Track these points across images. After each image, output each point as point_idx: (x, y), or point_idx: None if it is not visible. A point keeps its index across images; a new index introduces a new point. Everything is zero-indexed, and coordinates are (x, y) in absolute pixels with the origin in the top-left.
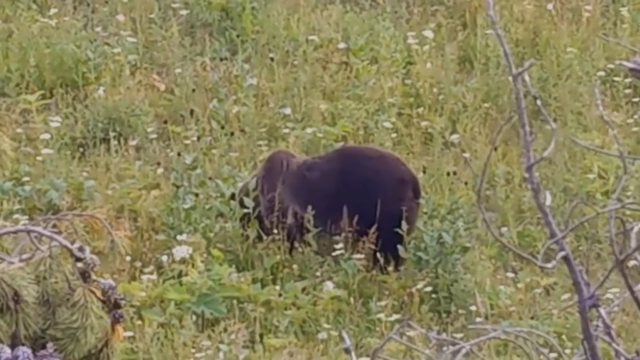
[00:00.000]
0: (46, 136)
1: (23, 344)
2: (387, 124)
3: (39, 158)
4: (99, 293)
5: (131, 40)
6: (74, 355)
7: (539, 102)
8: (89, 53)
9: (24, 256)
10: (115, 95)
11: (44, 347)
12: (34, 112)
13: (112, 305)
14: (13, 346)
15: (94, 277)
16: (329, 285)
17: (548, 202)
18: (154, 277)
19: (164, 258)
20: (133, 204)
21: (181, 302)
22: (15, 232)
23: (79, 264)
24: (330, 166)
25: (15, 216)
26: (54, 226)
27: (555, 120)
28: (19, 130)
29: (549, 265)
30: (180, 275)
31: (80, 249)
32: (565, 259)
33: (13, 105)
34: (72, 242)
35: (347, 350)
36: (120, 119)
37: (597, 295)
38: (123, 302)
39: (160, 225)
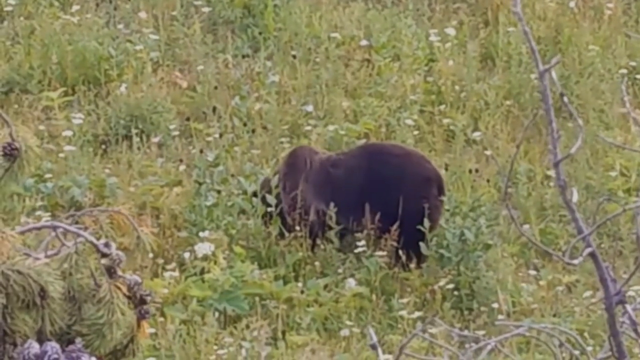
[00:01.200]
0: (68, 133)
1: (49, 340)
2: (409, 122)
3: (61, 155)
4: (124, 289)
5: (153, 37)
6: (99, 351)
7: (565, 98)
8: (111, 50)
9: (50, 252)
10: (138, 93)
11: (69, 342)
12: (56, 109)
13: (138, 301)
14: (39, 342)
15: (119, 273)
16: (351, 282)
17: (575, 199)
18: (176, 274)
19: (186, 255)
20: (155, 201)
21: (203, 299)
22: (40, 228)
23: (105, 260)
24: (354, 163)
25: (38, 213)
26: (79, 222)
27: None
28: (41, 127)
29: (576, 261)
30: (202, 272)
31: (106, 245)
32: (592, 255)
33: (35, 102)
34: (98, 238)
35: (373, 347)
36: (142, 116)
37: (624, 292)
38: (149, 298)
39: (182, 222)
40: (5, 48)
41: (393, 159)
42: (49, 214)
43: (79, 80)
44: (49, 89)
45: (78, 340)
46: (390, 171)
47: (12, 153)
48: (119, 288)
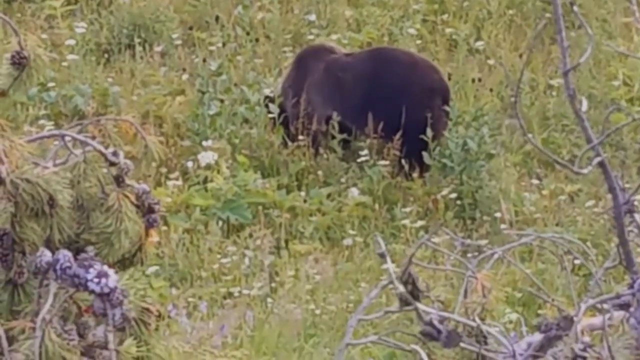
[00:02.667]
0: (71, 42)
1: (57, 248)
2: (412, 31)
3: (64, 64)
4: (133, 198)
5: None
6: (108, 259)
7: (575, 8)
8: None
9: (58, 161)
10: (140, 2)
11: (78, 251)
12: (59, 17)
13: (146, 210)
14: (47, 250)
15: (127, 181)
16: (354, 191)
17: (584, 108)
18: (180, 183)
19: (189, 164)
20: (158, 110)
21: (206, 208)
22: (49, 137)
23: (113, 169)
24: (362, 68)
25: (41, 122)
26: (86, 131)
27: (579, 27)
28: (44, 36)
29: (585, 171)
30: (205, 181)
31: (114, 154)
32: (601, 164)
33: (38, 11)
34: (106, 147)
35: (382, 255)
36: (145, 25)
37: (632, 201)
38: (157, 206)
39: (185, 131)
40: None
41: (399, 67)
42: (52, 122)
43: None
44: None
45: (90, 248)
46: (395, 80)
47: (20, 62)
48: (127, 197)
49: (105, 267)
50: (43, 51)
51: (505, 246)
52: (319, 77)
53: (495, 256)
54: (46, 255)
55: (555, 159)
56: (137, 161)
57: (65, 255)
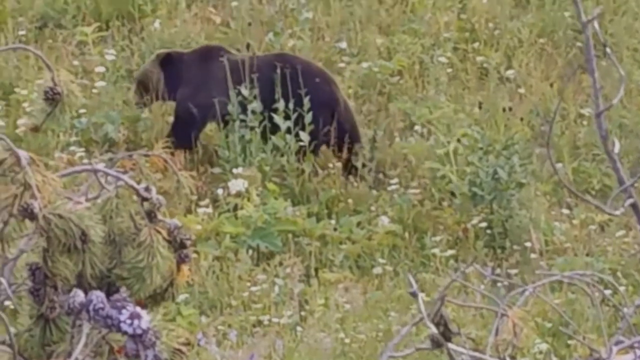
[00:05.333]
0: (102, 69)
1: (89, 284)
2: (443, 59)
3: (94, 90)
4: (165, 233)
5: None
6: (139, 295)
7: (608, 50)
8: None
9: (90, 196)
10: (171, 28)
11: (109, 286)
12: (90, 44)
13: (178, 245)
14: (79, 285)
15: (160, 217)
16: (384, 219)
17: (617, 149)
18: (210, 210)
19: (220, 191)
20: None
21: (236, 235)
22: (81, 172)
23: (145, 204)
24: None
25: (72, 148)
26: (119, 165)
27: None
28: (75, 62)
29: (617, 212)
30: (235, 208)
31: (147, 189)
32: (633, 206)
33: (69, 38)
34: (138, 182)
35: (413, 295)
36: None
37: None
38: (189, 242)
39: (216, 158)
40: None
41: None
42: (82, 149)
43: (113, 16)
44: (83, 24)
45: (123, 289)
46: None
47: (54, 98)
48: (159, 232)
49: (138, 309)
50: (76, 87)
51: (537, 283)
52: (223, 75)
53: (527, 293)
54: (79, 295)
55: (586, 199)
56: (169, 196)
57: (98, 296)
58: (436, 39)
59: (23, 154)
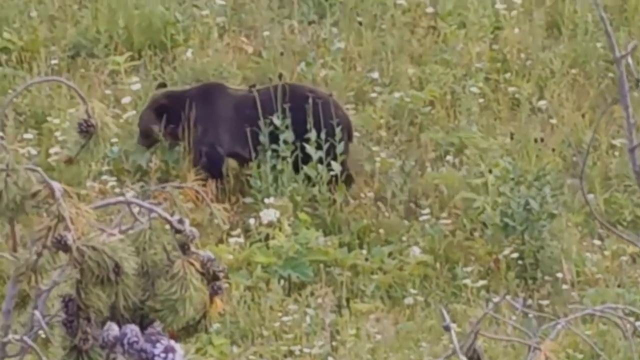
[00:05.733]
0: (129, 100)
1: (122, 316)
2: (475, 89)
3: (126, 119)
4: (198, 265)
5: (219, 2)
6: (172, 327)
7: None
8: (178, 15)
9: (124, 228)
10: (204, 58)
11: (142, 318)
12: (122, 73)
13: (211, 277)
14: (112, 317)
15: (193, 249)
16: (415, 250)
17: None
18: (241, 240)
19: (252, 221)
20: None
21: (268, 265)
22: (115, 204)
23: (179, 236)
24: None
25: (104, 177)
26: (152, 196)
27: None
28: (107, 91)
29: None
30: (267, 238)
31: (180, 221)
32: None
33: (102, 67)
34: (172, 214)
35: (446, 328)
36: (207, 81)
37: None
38: (222, 274)
39: (247, 188)
40: (72, 12)
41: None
42: (114, 179)
43: (145, 45)
44: (115, 53)
45: (156, 322)
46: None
47: (88, 130)
48: (192, 264)
49: (172, 342)
50: (110, 119)
51: (569, 317)
52: (229, 113)
53: (559, 327)
54: (113, 329)
55: (617, 231)
56: (201, 227)
57: (132, 329)
58: (468, 69)
59: (57, 185)
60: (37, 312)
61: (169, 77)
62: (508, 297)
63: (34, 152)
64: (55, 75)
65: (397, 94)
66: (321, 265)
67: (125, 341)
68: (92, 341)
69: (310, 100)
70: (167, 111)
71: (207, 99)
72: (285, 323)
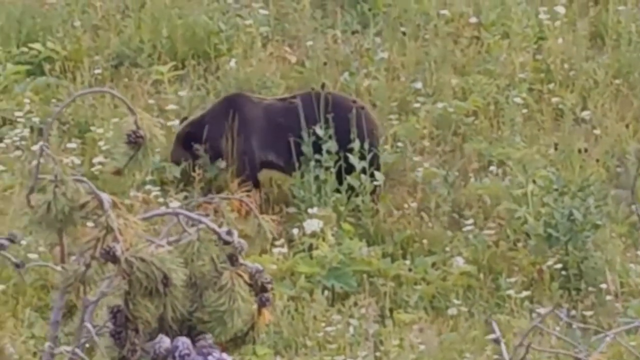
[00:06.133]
0: (175, 107)
1: (170, 327)
2: (518, 100)
3: (169, 128)
4: (246, 277)
5: (263, 12)
6: (220, 338)
7: None
8: (221, 24)
9: (171, 239)
10: (247, 67)
11: (190, 329)
12: (165, 83)
13: (259, 289)
14: (160, 328)
15: (241, 260)
16: (458, 260)
17: None
18: (285, 250)
19: (295, 231)
20: (263, 176)
21: (311, 275)
22: (163, 215)
23: (227, 248)
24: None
25: (147, 187)
26: (200, 208)
27: None
28: (150, 101)
29: None
30: (310, 248)
31: (229, 233)
32: None
33: (145, 76)
34: (220, 225)
35: (496, 341)
36: (251, 90)
37: None
38: (270, 285)
39: (291, 198)
40: (115, 21)
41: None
42: (158, 188)
43: (189, 54)
44: (158, 62)
45: (209, 336)
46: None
47: (136, 141)
48: (240, 275)
49: (225, 355)
50: (158, 130)
51: (616, 329)
52: (259, 122)
53: (607, 339)
54: (165, 341)
55: None
56: (249, 239)
57: (184, 342)
58: (511, 80)
59: (105, 197)
60: (88, 324)
61: (212, 87)
62: (556, 310)
63: (77, 161)
64: (99, 84)
65: (440, 104)
66: (364, 276)
67: (177, 354)
68: (140, 352)
69: (354, 110)
70: (194, 138)
71: (229, 111)
72: (329, 333)
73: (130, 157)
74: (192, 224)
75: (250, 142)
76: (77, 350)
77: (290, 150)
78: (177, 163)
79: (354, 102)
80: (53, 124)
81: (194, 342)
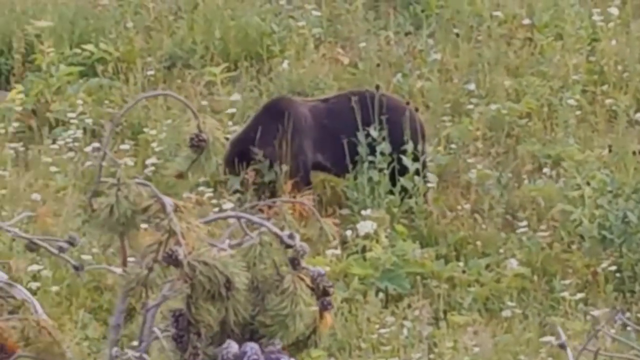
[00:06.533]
0: (232, 110)
1: (232, 331)
2: (571, 101)
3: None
4: (308, 280)
5: (315, 13)
6: (282, 342)
7: None
8: (274, 26)
9: (233, 242)
10: (300, 69)
11: (252, 333)
12: (218, 84)
13: (320, 293)
14: (222, 332)
15: (303, 264)
16: (512, 262)
17: None
18: (338, 252)
19: (348, 233)
20: (316, 177)
21: (365, 277)
22: (225, 218)
23: (289, 251)
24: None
25: (200, 188)
26: (262, 211)
27: None
28: (203, 102)
29: None
30: (364, 250)
31: (290, 236)
32: None
33: (198, 77)
34: (281, 229)
35: (562, 346)
36: (304, 92)
37: None
38: (332, 289)
39: (344, 199)
40: (168, 23)
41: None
42: (211, 189)
43: (242, 56)
44: (211, 64)
45: (277, 341)
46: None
47: (199, 144)
48: (302, 279)
49: None
50: (221, 134)
51: None
52: (308, 123)
53: None
54: (233, 347)
55: None
56: (311, 243)
57: (252, 347)
58: (565, 81)
59: (168, 200)
60: (157, 330)
61: (265, 89)
62: (607, 309)
63: (130, 163)
64: (151, 86)
65: (493, 106)
66: (418, 278)
67: (245, 359)
68: (202, 356)
69: (407, 112)
70: (246, 144)
71: (278, 114)
72: (383, 335)
73: (192, 161)
74: (254, 227)
75: (302, 144)
76: (145, 356)
77: (334, 151)
78: (231, 170)
79: (407, 103)
80: (105, 125)
81: (264, 348)
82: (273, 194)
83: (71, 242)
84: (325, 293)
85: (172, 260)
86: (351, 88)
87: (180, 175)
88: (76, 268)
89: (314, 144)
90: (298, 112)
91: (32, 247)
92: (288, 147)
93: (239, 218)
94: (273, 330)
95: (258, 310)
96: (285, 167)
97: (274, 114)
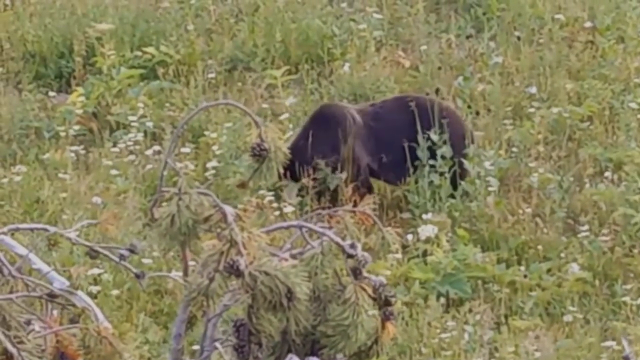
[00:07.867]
0: (285, 116)
1: (293, 341)
2: (633, 105)
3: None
4: (370, 290)
5: (377, 16)
6: (344, 352)
7: None
8: (335, 29)
9: (294, 251)
10: (361, 72)
11: (314, 343)
12: (279, 87)
13: (382, 303)
14: (283, 342)
15: (365, 274)
16: (574, 267)
17: None
18: (399, 255)
19: (409, 237)
20: (376, 182)
21: (426, 281)
22: (287, 228)
23: (351, 261)
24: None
25: (261, 192)
26: (324, 221)
27: None
28: (264, 105)
29: None
30: (425, 254)
31: (352, 246)
32: None
33: (259, 80)
34: (343, 238)
35: (626, 358)
36: (365, 95)
37: None
38: (394, 299)
39: (405, 203)
40: (229, 25)
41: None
42: (271, 193)
43: (303, 59)
44: (272, 67)
45: (339, 356)
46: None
47: (261, 153)
48: (364, 289)
49: None
50: (283, 143)
51: None
52: (359, 128)
53: None
54: None
55: None
56: (372, 251)
57: None
58: (626, 85)
59: (229, 209)
60: (219, 347)
61: (326, 92)
62: None
63: (191, 166)
64: (212, 89)
65: (555, 109)
66: (479, 282)
67: None
68: None
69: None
70: (302, 152)
71: (331, 121)
72: (444, 340)
73: (255, 170)
74: (316, 237)
75: (359, 148)
76: None
77: (385, 156)
78: (291, 177)
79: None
80: (165, 128)
81: (317, 356)
82: (333, 199)
83: (132, 250)
84: (388, 303)
85: (234, 270)
86: (421, 92)
87: (243, 185)
88: (137, 276)
89: (367, 148)
90: (350, 117)
91: (93, 254)
92: (347, 152)
93: (300, 227)
94: (334, 340)
95: (319, 320)
96: (344, 174)
97: (326, 121)
